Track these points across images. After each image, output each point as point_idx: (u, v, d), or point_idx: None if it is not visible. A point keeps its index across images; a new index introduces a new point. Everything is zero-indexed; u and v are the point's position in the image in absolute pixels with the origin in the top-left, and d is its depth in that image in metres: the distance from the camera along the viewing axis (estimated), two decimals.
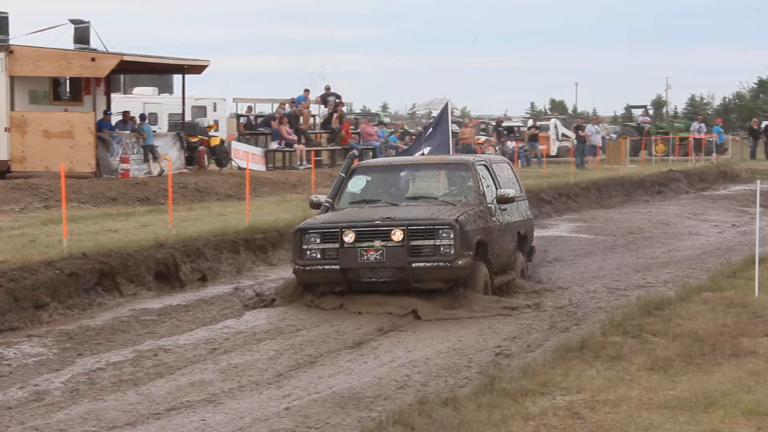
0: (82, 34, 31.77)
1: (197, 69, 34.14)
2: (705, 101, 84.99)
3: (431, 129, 19.14)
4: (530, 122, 54.48)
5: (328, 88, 40.39)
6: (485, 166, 15.98)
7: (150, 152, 31.53)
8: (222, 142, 37.46)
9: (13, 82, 29.46)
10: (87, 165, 29.05)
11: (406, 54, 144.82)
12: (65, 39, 31.63)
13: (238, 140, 37.46)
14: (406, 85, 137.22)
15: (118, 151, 30.48)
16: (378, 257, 14.07)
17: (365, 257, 14.10)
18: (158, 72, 39.02)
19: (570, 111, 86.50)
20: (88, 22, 31.95)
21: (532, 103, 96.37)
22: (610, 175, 35.96)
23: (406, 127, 48.70)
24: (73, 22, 31.96)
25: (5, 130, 29.32)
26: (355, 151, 17.18)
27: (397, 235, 14.07)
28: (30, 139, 29.33)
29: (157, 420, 9.72)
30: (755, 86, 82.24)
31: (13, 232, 19.04)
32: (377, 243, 14.09)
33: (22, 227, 19.85)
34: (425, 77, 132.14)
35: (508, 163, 17.62)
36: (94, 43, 31.80)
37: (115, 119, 32.17)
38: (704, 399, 8.84)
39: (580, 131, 45.97)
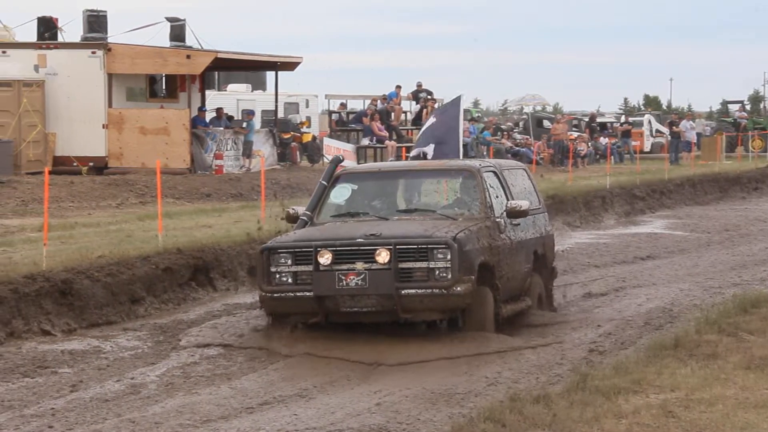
0: (178, 32, 32.17)
1: (290, 66, 34.38)
2: None
3: (434, 120, 16.14)
4: (623, 118, 53.99)
5: (419, 85, 40.42)
6: (494, 172, 13.49)
7: (249, 148, 31.98)
8: (314, 138, 37.68)
9: (111, 79, 29.90)
10: (182, 161, 29.38)
11: (498, 50, 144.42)
12: (161, 37, 32.09)
13: (330, 136, 37.63)
14: (498, 81, 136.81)
15: (212, 147, 30.82)
16: (359, 282, 11.72)
17: (344, 282, 11.73)
18: (252, 69, 39.35)
19: (664, 106, 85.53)
20: (184, 20, 32.35)
21: (625, 99, 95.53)
22: (705, 172, 35.53)
23: (496, 123, 48.52)
24: (169, 20, 32.37)
25: (103, 127, 29.77)
26: (340, 156, 14.27)
27: (383, 256, 11.71)
28: (127, 135, 29.74)
29: (249, 414, 9.80)
30: None
31: (110, 227, 19.32)
32: (359, 265, 11.74)
33: (119, 222, 20.13)
34: (517, 73, 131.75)
35: (525, 169, 15.07)
36: (190, 40, 32.20)
37: (209, 116, 32.52)
38: None
39: (674, 127, 45.51)
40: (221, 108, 33.83)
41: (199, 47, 31.61)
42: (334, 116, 38.87)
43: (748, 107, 64.62)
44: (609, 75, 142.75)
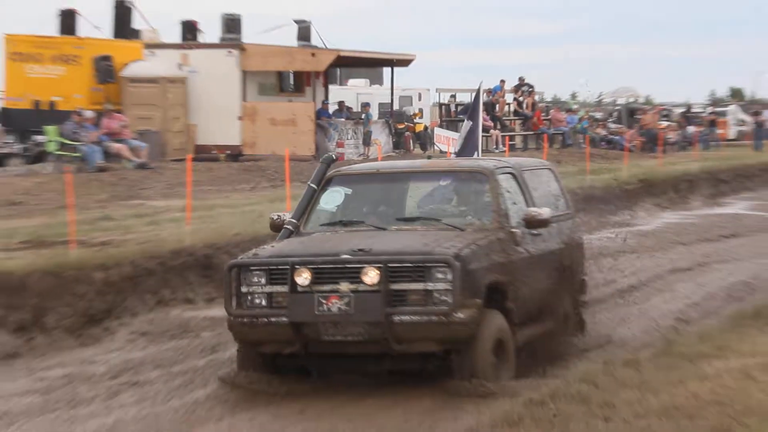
0: (304, 33, 32.47)
1: (404, 62, 34.47)
2: None
3: (470, 123, 13.75)
4: (709, 109, 53.18)
5: (521, 79, 40.22)
6: (512, 174, 10.45)
7: (368, 137, 32.26)
8: (425, 128, 37.74)
9: (245, 76, 30.31)
10: (307, 149, 29.65)
11: (594, 45, 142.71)
12: (290, 37, 32.43)
13: (440, 126, 37.65)
14: (594, 75, 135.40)
15: (335, 136, 31.09)
16: (343, 307, 8.94)
17: (325, 307, 8.96)
18: (370, 65, 39.53)
19: (748, 98, 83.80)
20: (310, 22, 32.65)
21: (712, 91, 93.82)
22: None
23: (591, 113, 48.06)
24: (296, 21, 32.69)
25: (238, 119, 30.19)
26: (333, 154, 11.37)
27: (371, 276, 8.92)
28: (259, 126, 30.12)
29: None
30: None
31: (245, 208, 19.56)
32: (344, 286, 8.98)
33: (252, 204, 20.37)
34: (612, 67, 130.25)
35: (551, 168, 11.72)
36: (315, 40, 32.47)
37: (332, 108, 32.79)
38: None
39: (757, 116, 44.76)
40: (343, 101, 34.07)
41: (323, 46, 31.85)
42: (445, 108, 38.90)
43: None
44: (696, 68, 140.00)
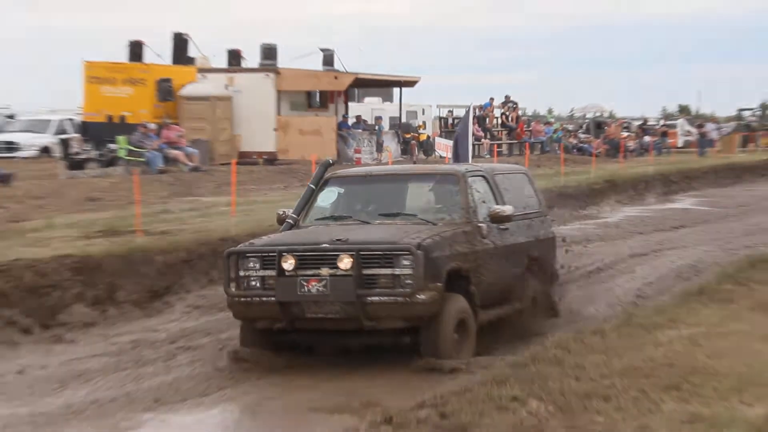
0: (328, 59, 32.43)
1: (411, 83, 34.46)
2: None
3: (457, 133, 13.50)
4: (661, 122, 53.03)
5: (507, 97, 40.19)
6: (483, 177, 10.14)
7: (380, 145, 32.26)
8: (428, 137, 37.71)
9: (279, 94, 30.30)
10: (330, 155, 29.61)
11: (568, 69, 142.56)
12: (316, 62, 32.41)
13: (440, 136, 37.63)
14: (567, 94, 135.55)
15: (353, 144, 31.08)
16: (321, 289, 8.72)
17: (306, 288, 8.75)
18: (382, 86, 39.49)
19: (694, 113, 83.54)
20: (333, 50, 32.60)
21: (663, 107, 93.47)
22: (724, 162, 34.68)
23: (565, 125, 47.97)
24: (322, 50, 32.66)
25: (274, 130, 30.19)
26: (330, 159, 11.11)
27: (345, 262, 8.69)
28: (290, 136, 30.11)
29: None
30: None
31: (280, 204, 19.39)
32: (324, 271, 8.75)
33: (286, 200, 20.22)
34: (581, 87, 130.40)
35: (525, 173, 11.37)
36: (337, 65, 32.43)
37: (351, 121, 32.75)
38: None
39: (701, 128, 44.66)
40: (360, 115, 34.04)
41: (344, 70, 31.82)
42: (444, 121, 38.86)
43: (758, 113, 62.69)
44: (651, 88, 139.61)
